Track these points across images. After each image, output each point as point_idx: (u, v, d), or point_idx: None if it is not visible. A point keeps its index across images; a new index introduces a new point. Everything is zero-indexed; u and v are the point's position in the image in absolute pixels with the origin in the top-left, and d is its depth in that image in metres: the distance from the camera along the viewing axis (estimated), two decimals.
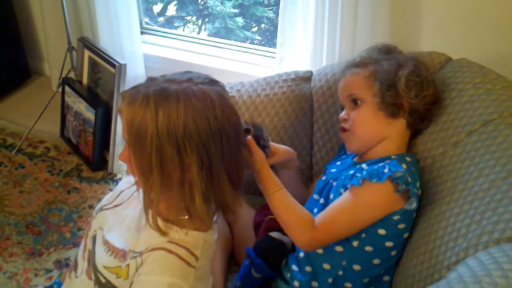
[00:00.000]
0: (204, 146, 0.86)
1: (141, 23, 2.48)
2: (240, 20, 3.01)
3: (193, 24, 3.33)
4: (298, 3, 1.84)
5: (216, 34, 3.00)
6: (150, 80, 0.92)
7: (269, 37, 3.11)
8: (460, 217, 1.04)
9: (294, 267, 1.20)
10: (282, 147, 1.27)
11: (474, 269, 0.87)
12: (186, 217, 0.93)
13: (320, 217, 1.10)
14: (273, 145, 1.21)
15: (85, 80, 2.27)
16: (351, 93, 1.23)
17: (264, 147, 1.15)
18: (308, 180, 1.52)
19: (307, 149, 1.52)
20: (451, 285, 0.85)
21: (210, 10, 3.16)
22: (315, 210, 1.21)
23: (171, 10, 3.32)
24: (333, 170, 1.29)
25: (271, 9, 3.05)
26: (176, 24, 3.28)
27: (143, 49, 2.34)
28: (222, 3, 3.02)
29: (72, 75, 2.32)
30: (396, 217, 1.11)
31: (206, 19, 3.24)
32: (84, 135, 2.16)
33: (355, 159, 1.28)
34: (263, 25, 3.18)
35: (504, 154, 1.06)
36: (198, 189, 0.88)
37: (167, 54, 2.43)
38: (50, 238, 1.83)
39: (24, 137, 2.26)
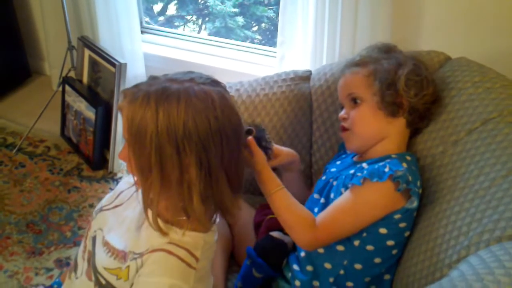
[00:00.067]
0: (203, 147, 0.86)
1: (141, 23, 2.48)
2: (240, 20, 3.02)
3: (193, 24, 3.33)
4: (298, 2, 1.84)
5: (216, 33, 3.00)
6: (152, 78, 0.92)
7: (269, 37, 3.11)
8: (461, 215, 1.04)
9: (295, 267, 1.20)
10: (285, 149, 1.27)
11: (476, 267, 0.87)
12: (184, 217, 0.93)
13: (321, 216, 1.10)
14: (276, 147, 1.21)
15: (85, 79, 2.27)
16: (350, 92, 1.23)
17: (266, 149, 1.15)
18: (307, 179, 1.52)
19: (307, 148, 1.52)
20: (454, 283, 0.85)
21: (210, 10, 3.16)
22: (316, 210, 1.22)
23: (171, 9, 3.32)
24: (333, 169, 1.29)
25: (271, 9, 3.05)
26: (176, 24, 3.29)
27: (143, 48, 2.35)
28: (222, 2, 3.02)
29: (72, 74, 2.32)
30: (397, 216, 1.11)
31: (206, 19, 3.25)
32: (85, 134, 2.16)
33: (355, 158, 1.28)
34: (263, 25, 3.18)
35: (504, 153, 1.06)
36: (197, 190, 0.87)
37: (167, 53, 2.43)
38: (50, 237, 1.83)
39: (24, 136, 2.27)
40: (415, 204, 1.11)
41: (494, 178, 1.04)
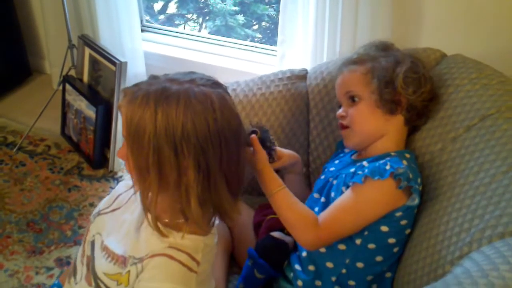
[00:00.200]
0: (202, 149, 0.85)
1: (141, 21, 2.48)
2: (240, 18, 3.01)
3: (194, 22, 3.33)
4: (298, 1, 1.83)
5: (216, 32, 3.00)
6: (152, 78, 0.91)
7: (270, 35, 3.11)
8: (462, 212, 1.04)
9: (297, 267, 1.19)
10: (287, 151, 1.27)
11: (481, 264, 0.87)
12: (182, 220, 0.92)
13: (323, 216, 1.10)
14: (278, 149, 1.21)
15: (85, 78, 2.27)
16: (348, 90, 1.23)
17: (270, 149, 1.15)
18: (306, 178, 1.52)
19: (304, 147, 1.52)
20: (459, 280, 0.85)
21: (210, 8, 3.16)
22: (316, 209, 1.21)
23: (172, 8, 3.32)
24: (332, 168, 1.29)
25: (272, 7, 3.05)
26: (176, 22, 3.28)
27: (143, 47, 2.34)
28: (222, 1, 3.02)
29: (72, 73, 2.32)
30: (398, 214, 1.11)
31: (207, 17, 3.24)
32: (85, 133, 2.16)
33: (353, 157, 1.28)
34: (263, 23, 3.18)
35: (504, 149, 1.06)
36: (194, 192, 0.86)
37: (168, 52, 2.43)
38: (51, 236, 1.83)
39: (25, 135, 2.26)
40: (416, 201, 1.11)
41: (494, 174, 1.04)
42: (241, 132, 0.94)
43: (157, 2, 3.25)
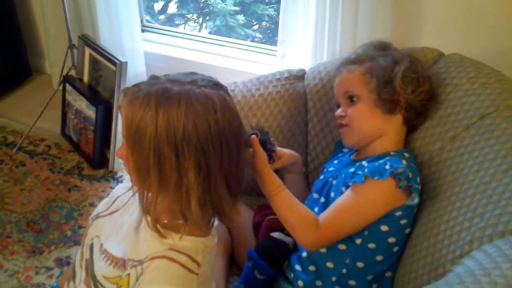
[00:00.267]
0: (203, 150, 0.84)
1: (142, 21, 2.48)
2: (241, 18, 3.02)
3: (194, 22, 3.33)
4: (299, 1, 1.84)
5: (217, 32, 3.00)
6: (153, 78, 0.90)
7: (270, 35, 3.11)
8: (462, 211, 1.04)
9: (298, 267, 1.19)
10: (287, 151, 1.27)
11: (482, 262, 0.87)
12: (181, 221, 0.91)
13: (323, 216, 1.10)
14: (278, 149, 1.21)
15: (86, 78, 2.27)
16: (347, 90, 1.22)
17: (270, 151, 1.15)
18: (305, 179, 1.52)
19: (303, 147, 1.51)
20: (461, 278, 0.85)
21: (211, 8, 3.16)
22: (316, 209, 1.21)
23: (172, 8, 3.32)
24: (331, 168, 1.29)
25: (272, 7, 3.05)
26: (177, 22, 3.29)
27: (143, 47, 2.34)
28: (223, 0, 3.02)
29: (73, 73, 2.32)
30: (398, 213, 1.11)
31: (207, 17, 3.25)
32: (85, 133, 2.16)
33: (352, 157, 1.28)
34: (264, 23, 3.18)
35: (503, 147, 1.07)
36: (195, 194, 0.86)
37: (168, 52, 2.43)
38: (51, 236, 1.83)
39: (25, 135, 2.26)
40: (416, 200, 1.11)
41: (494, 173, 1.04)
42: (241, 133, 0.94)
43: (157, 2, 3.25)
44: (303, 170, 1.41)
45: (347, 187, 1.13)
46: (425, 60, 1.34)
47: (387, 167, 1.08)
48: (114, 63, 2.02)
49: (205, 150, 0.85)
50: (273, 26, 3.07)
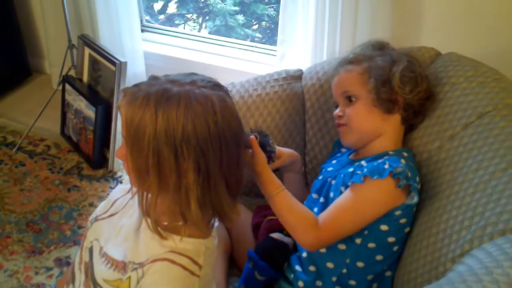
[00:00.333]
0: (202, 151, 0.84)
1: (141, 21, 2.48)
2: (240, 18, 3.02)
3: (194, 22, 3.33)
4: (298, 1, 1.84)
5: (216, 32, 3.00)
6: (153, 79, 0.90)
7: (270, 35, 3.11)
8: (462, 210, 1.04)
9: (298, 268, 1.19)
10: (286, 150, 1.27)
11: (484, 261, 0.87)
12: (181, 223, 0.91)
13: (323, 216, 1.10)
14: (277, 148, 1.21)
15: (85, 78, 2.27)
16: (345, 90, 1.22)
17: (270, 153, 1.15)
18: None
19: (301, 147, 1.51)
20: (464, 277, 0.85)
21: (210, 8, 3.16)
22: (315, 209, 1.21)
23: (172, 7, 3.32)
24: (330, 168, 1.29)
25: (272, 7, 3.05)
26: (176, 22, 3.28)
27: (143, 47, 2.34)
28: (222, 0, 3.02)
29: (72, 73, 2.32)
30: (397, 213, 1.11)
31: (207, 17, 3.25)
32: (85, 133, 2.16)
33: (351, 157, 1.28)
34: (263, 23, 3.18)
35: (502, 146, 1.07)
36: (194, 194, 0.85)
37: (168, 52, 2.43)
38: (50, 236, 1.83)
39: (24, 135, 2.26)
40: (415, 200, 1.11)
41: (493, 171, 1.04)
42: (241, 134, 0.93)
43: (157, 2, 3.25)
44: (302, 169, 1.41)
45: (346, 187, 1.13)
46: (423, 60, 1.34)
47: (386, 166, 1.08)
48: (113, 63, 2.02)
49: (204, 151, 0.84)
50: (272, 26, 3.07)
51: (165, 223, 0.93)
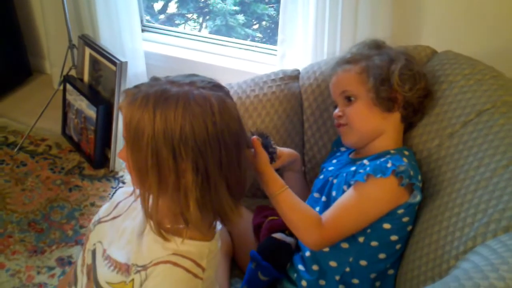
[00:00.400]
0: (200, 152, 0.84)
1: (142, 21, 2.48)
2: (241, 18, 3.02)
3: (194, 22, 3.33)
4: (298, 0, 1.84)
5: (217, 31, 3.00)
6: (154, 80, 0.90)
7: (270, 35, 3.11)
8: (464, 207, 1.04)
9: (301, 267, 1.19)
10: (286, 149, 1.28)
11: (489, 258, 0.87)
12: (182, 225, 0.91)
13: (327, 215, 1.10)
14: (278, 148, 1.21)
15: (86, 77, 2.27)
16: (344, 90, 1.23)
17: (272, 154, 1.15)
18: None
19: (299, 147, 1.51)
20: (469, 274, 0.85)
21: (211, 8, 3.16)
22: (317, 209, 1.21)
23: (172, 7, 3.32)
24: (331, 168, 1.29)
25: (272, 7, 3.05)
26: (177, 22, 3.28)
27: (144, 46, 2.34)
28: (223, 0, 3.02)
29: (73, 72, 2.32)
30: (400, 211, 1.11)
31: (207, 17, 3.25)
32: (86, 133, 2.16)
33: (351, 156, 1.28)
34: (264, 23, 3.18)
35: (502, 143, 1.07)
36: (193, 195, 0.85)
37: (168, 51, 2.43)
38: (52, 235, 1.83)
39: (25, 135, 2.27)
40: (418, 198, 1.11)
41: (495, 168, 1.04)
42: (241, 135, 0.92)
43: (157, 2, 3.25)
44: (302, 168, 1.42)
45: (349, 185, 1.14)
46: (419, 58, 1.35)
47: (389, 165, 1.09)
48: (114, 63, 2.02)
49: (203, 152, 0.84)
50: (273, 25, 3.07)
51: (168, 226, 0.93)
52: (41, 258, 1.75)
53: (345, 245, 1.14)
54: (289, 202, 1.10)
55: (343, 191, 1.15)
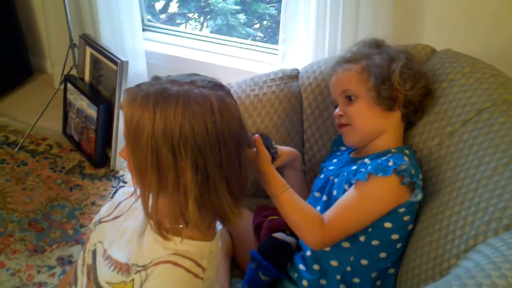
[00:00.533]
0: (199, 151, 0.84)
1: (143, 20, 2.48)
2: (242, 17, 3.01)
3: (195, 21, 3.33)
4: None
5: (218, 31, 3.00)
6: (155, 79, 0.90)
7: (271, 34, 3.10)
8: (465, 205, 1.04)
9: (301, 267, 1.19)
10: (286, 148, 1.28)
11: (491, 256, 0.87)
12: (182, 225, 0.90)
13: (328, 215, 1.10)
14: (278, 147, 1.21)
15: (87, 77, 2.27)
16: (345, 89, 1.22)
17: (273, 154, 1.15)
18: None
19: (299, 147, 1.51)
20: (471, 273, 0.85)
21: (212, 7, 3.16)
22: (318, 208, 1.21)
23: (173, 7, 3.32)
24: (331, 167, 1.29)
25: (273, 6, 3.05)
26: (178, 21, 3.29)
27: (145, 46, 2.35)
28: (224, 0, 3.02)
29: (74, 72, 2.32)
30: (401, 210, 1.11)
31: (208, 16, 3.25)
32: (86, 132, 2.16)
33: (352, 155, 1.28)
34: (265, 22, 3.18)
35: (503, 141, 1.07)
36: (192, 194, 0.85)
37: (169, 51, 2.43)
38: (52, 235, 1.83)
39: (26, 134, 2.27)
40: (419, 197, 1.11)
41: (495, 167, 1.04)
42: (242, 135, 0.92)
43: (158, 1, 3.25)
44: (302, 167, 1.42)
45: (350, 184, 1.13)
46: (419, 57, 1.35)
47: (391, 164, 1.08)
48: (115, 62, 2.02)
49: (202, 151, 0.84)
50: (274, 25, 3.07)
51: (168, 226, 0.92)
52: (42, 257, 1.75)
53: (346, 244, 1.14)
54: (291, 202, 1.10)
55: (344, 190, 1.15)
